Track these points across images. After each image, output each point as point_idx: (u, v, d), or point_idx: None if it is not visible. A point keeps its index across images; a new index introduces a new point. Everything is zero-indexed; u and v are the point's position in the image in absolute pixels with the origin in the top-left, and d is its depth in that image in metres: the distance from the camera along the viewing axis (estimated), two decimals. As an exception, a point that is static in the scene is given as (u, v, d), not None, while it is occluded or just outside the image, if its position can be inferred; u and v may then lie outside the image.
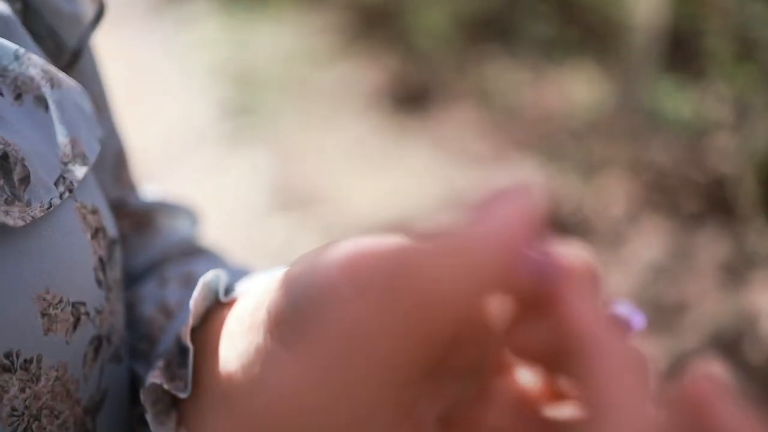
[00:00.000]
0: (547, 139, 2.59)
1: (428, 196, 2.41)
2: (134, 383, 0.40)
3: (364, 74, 3.05)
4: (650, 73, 2.51)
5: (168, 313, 0.40)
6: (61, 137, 0.35)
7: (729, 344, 1.88)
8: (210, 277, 0.36)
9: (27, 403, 0.33)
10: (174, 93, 3.04)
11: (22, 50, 0.35)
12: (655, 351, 1.87)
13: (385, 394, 0.21)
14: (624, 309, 0.25)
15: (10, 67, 0.35)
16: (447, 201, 2.39)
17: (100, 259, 0.36)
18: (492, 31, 3.05)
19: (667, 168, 2.43)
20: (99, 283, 0.36)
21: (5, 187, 0.32)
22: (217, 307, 0.36)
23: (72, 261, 0.34)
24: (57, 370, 0.34)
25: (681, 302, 1.99)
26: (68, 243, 0.34)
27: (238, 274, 0.41)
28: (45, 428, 0.34)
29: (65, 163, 0.35)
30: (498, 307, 0.23)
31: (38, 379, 0.33)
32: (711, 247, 2.15)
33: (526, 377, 0.26)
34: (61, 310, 0.34)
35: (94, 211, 0.37)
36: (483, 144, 2.63)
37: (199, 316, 0.36)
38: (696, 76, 2.53)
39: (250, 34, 3.45)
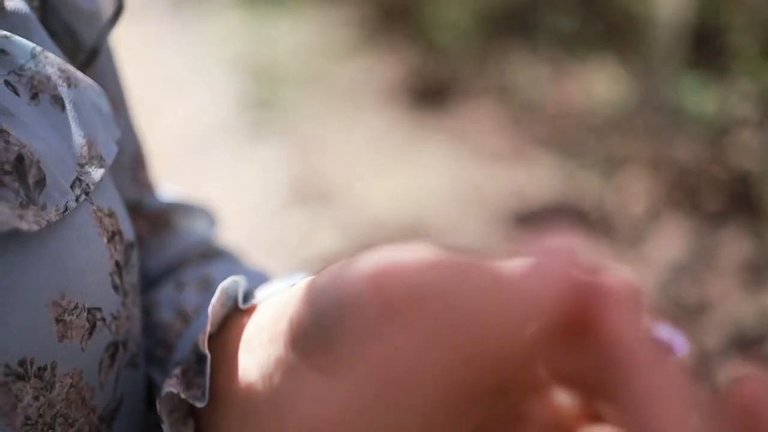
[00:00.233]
0: (568, 136, 2.57)
1: (446, 191, 2.40)
2: (150, 389, 0.39)
3: (383, 69, 3.04)
4: (673, 69, 2.48)
5: (185, 318, 0.39)
6: (78, 138, 0.34)
7: (751, 344, 1.86)
8: (228, 283, 0.35)
9: (41, 411, 0.32)
10: (193, 87, 3.05)
11: (39, 49, 0.35)
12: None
13: (426, 427, 0.20)
14: (665, 332, 0.24)
15: (27, 66, 0.34)
16: (465, 197, 2.38)
17: (117, 264, 0.35)
18: (513, 25, 3.02)
19: (690, 165, 2.41)
20: (115, 288, 0.35)
21: (20, 190, 0.31)
22: (235, 313, 0.35)
23: (88, 266, 0.33)
24: (72, 378, 0.33)
25: (702, 301, 1.97)
26: (84, 247, 0.33)
27: (257, 279, 0.40)
28: None
29: (82, 165, 0.34)
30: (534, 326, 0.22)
31: (53, 387, 0.32)
32: (733, 246, 2.12)
33: (562, 398, 0.25)
34: (77, 317, 0.33)
35: (111, 214, 0.36)
36: (502, 140, 2.62)
37: (217, 323, 0.35)
38: (720, 73, 2.50)
39: (269, 28, 3.45)
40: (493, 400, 0.24)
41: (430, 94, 2.86)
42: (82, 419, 0.34)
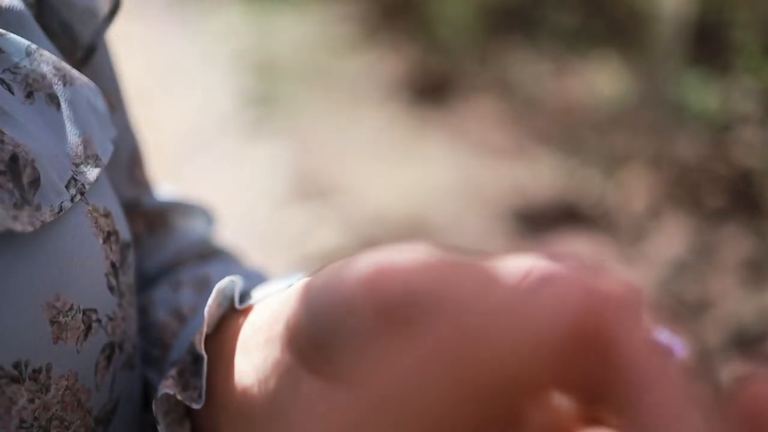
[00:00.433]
0: (569, 133, 2.57)
1: (447, 188, 2.40)
2: (147, 390, 0.39)
3: (384, 64, 3.04)
4: (675, 66, 2.48)
5: (181, 318, 0.39)
6: (73, 137, 0.34)
7: (751, 343, 1.85)
8: (225, 283, 0.35)
9: (36, 414, 0.32)
10: (195, 82, 3.04)
11: (33, 46, 0.34)
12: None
13: None
14: (665, 336, 0.24)
15: (22, 64, 0.34)
16: (466, 193, 2.38)
17: (113, 264, 0.35)
18: (515, 21, 3.02)
19: (691, 162, 2.40)
20: (111, 289, 0.35)
21: (14, 190, 0.31)
22: (232, 314, 0.35)
23: (83, 267, 0.33)
24: (67, 380, 0.33)
25: (703, 299, 1.97)
26: (79, 248, 0.33)
27: (254, 279, 0.40)
28: None
29: (77, 165, 0.34)
30: None
31: (48, 390, 0.32)
32: (734, 244, 2.12)
33: (560, 399, 0.24)
34: (72, 318, 0.33)
35: (107, 214, 0.35)
36: (503, 136, 2.61)
37: (213, 324, 0.35)
38: (722, 70, 2.49)
39: (271, 24, 3.44)
40: (493, 407, 0.23)
41: (432, 90, 2.85)
42: (78, 421, 0.34)
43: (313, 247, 2.17)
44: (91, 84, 0.37)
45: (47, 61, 0.34)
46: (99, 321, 0.34)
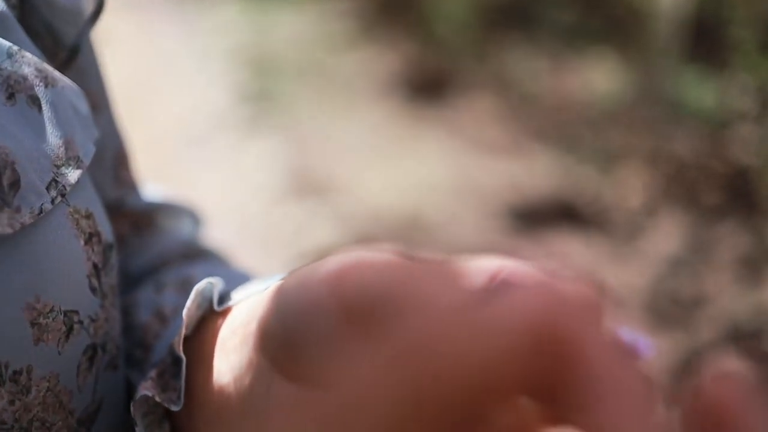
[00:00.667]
0: (566, 129, 2.57)
1: (444, 184, 2.40)
2: (130, 391, 0.39)
3: (381, 61, 3.04)
4: (672, 63, 2.47)
5: (164, 319, 0.39)
6: (55, 139, 0.34)
7: (746, 340, 1.86)
8: (204, 285, 0.35)
9: (17, 415, 0.32)
10: (192, 78, 3.04)
11: (15, 48, 0.34)
12: (671, 345, 1.86)
13: None
14: (630, 336, 0.24)
15: (3, 66, 0.34)
16: (463, 190, 2.38)
17: (95, 266, 0.35)
18: (512, 18, 3.01)
19: (688, 160, 2.40)
20: (93, 290, 0.35)
21: None
22: (211, 316, 0.35)
23: (64, 268, 0.33)
24: (48, 381, 0.33)
25: (699, 296, 1.97)
26: (60, 250, 0.33)
27: (237, 280, 0.40)
28: None
29: (58, 166, 0.34)
30: None
31: (28, 391, 0.32)
32: (730, 241, 2.12)
33: (524, 400, 0.25)
34: (53, 319, 0.33)
35: (88, 216, 0.35)
36: (500, 133, 2.61)
37: (192, 326, 0.35)
38: (719, 67, 2.49)
39: (267, 19, 3.44)
40: (455, 411, 0.23)
41: (429, 86, 2.85)
42: (60, 423, 0.34)
43: (309, 244, 2.17)
44: (74, 86, 0.37)
45: (29, 62, 0.34)
46: (81, 322, 0.34)
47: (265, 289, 0.32)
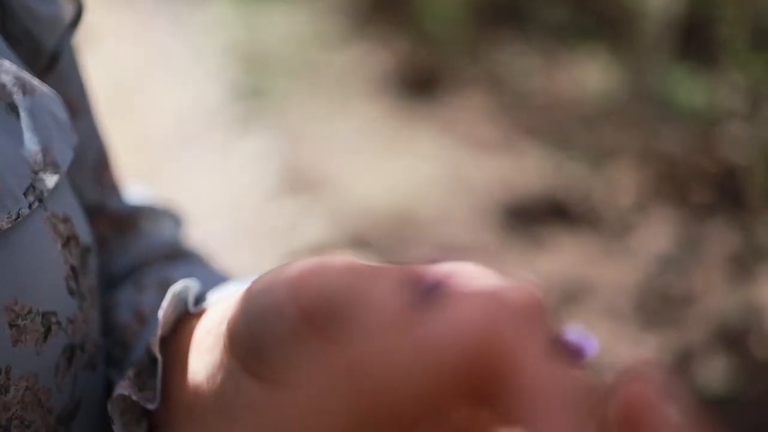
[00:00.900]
0: (558, 126, 2.58)
1: (436, 181, 2.40)
2: (110, 390, 0.40)
3: (374, 58, 3.04)
4: (663, 61, 2.48)
5: (143, 320, 0.40)
6: (33, 146, 0.35)
7: (735, 338, 1.87)
8: (180, 287, 0.36)
9: None
10: (185, 75, 3.04)
11: None
12: (660, 343, 1.87)
13: None
14: (576, 335, 0.25)
15: None
16: (455, 187, 2.38)
17: (72, 268, 0.36)
18: (504, 15, 3.02)
19: (678, 157, 2.41)
20: (71, 292, 0.36)
21: None
22: (188, 317, 0.36)
23: (41, 271, 0.34)
24: (27, 381, 0.33)
25: (688, 294, 1.99)
26: (37, 254, 0.34)
27: (214, 281, 0.41)
28: None
29: (36, 172, 0.35)
30: None
31: (7, 390, 0.33)
32: (720, 239, 2.13)
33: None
34: (31, 321, 0.33)
35: (66, 220, 0.36)
36: (493, 130, 2.62)
37: (169, 326, 0.36)
38: (709, 65, 2.50)
39: (260, 17, 3.44)
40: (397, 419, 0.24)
41: (421, 83, 2.85)
42: (39, 421, 0.34)
43: (301, 242, 2.18)
44: (52, 93, 0.37)
45: (7, 71, 0.35)
46: (59, 323, 0.35)
47: (238, 291, 0.33)
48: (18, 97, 0.35)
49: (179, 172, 2.47)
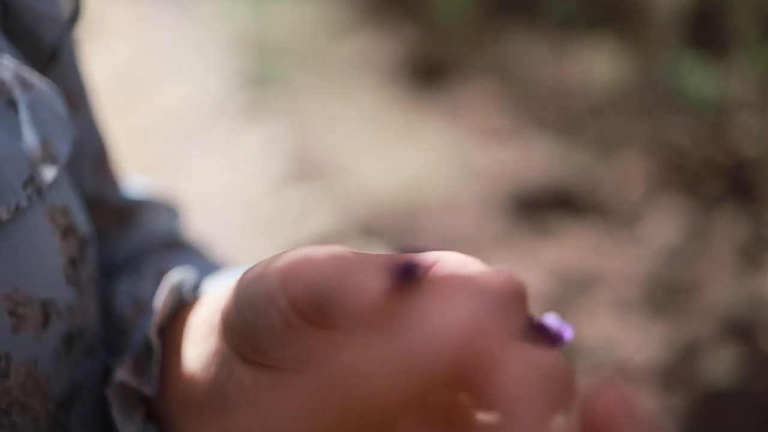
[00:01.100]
0: (566, 116, 2.57)
1: (444, 170, 2.40)
2: (109, 378, 0.41)
3: (382, 47, 3.03)
4: (672, 50, 2.47)
5: (141, 309, 0.41)
6: (32, 140, 0.36)
7: (743, 329, 1.87)
8: (176, 276, 0.37)
9: None
10: (191, 65, 3.05)
11: None
12: (667, 334, 1.87)
13: None
14: (553, 322, 0.26)
15: None
16: (462, 176, 2.38)
17: (71, 259, 0.37)
18: (512, 4, 3.01)
19: (687, 148, 2.40)
20: (70, 282, 0.37)
21: None
22: (185, 306, 0.37)
23: (40, 262, 0.35)
24: (27, 367, 0.34)
25: (695, 285, 1.98)
26: (36, 245, 0.35)
27: (210, 271, 0.42)
28: (16, 423, 0.34)
29: (35, 166, 0.35)
30: None
31: (7, 376, 0.34)
32: (728, 230, 2.13)
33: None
34: (30, 309, 0.34)
35: (65, 212, 0.37)
36: (500, 119, 2.61)
37: (166, 315, 0.37)
38: (720, 54, 2.48)
39: (268, 5, 3.43)
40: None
41: (429, 72, 2.85)
42: (39, 406, 0.35)
43: (309, 230, 2.18)
44: (51, 88, 0.38)
45: (7, 67, 0.36)
46: (58, 312, 0.36)
47: (234, 280, 0.34)
48: (17, 93, 0.36)
49: (186, 161, 2.48)
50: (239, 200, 2.33)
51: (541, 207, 2.26)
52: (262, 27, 3.26)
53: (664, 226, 2.16)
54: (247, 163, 2.49)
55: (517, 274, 0.24)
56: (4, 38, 0.38)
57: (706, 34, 2.53)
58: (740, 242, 2.09)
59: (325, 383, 0.19)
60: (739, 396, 1.72)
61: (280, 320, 0.27)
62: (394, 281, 0.24)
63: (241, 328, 0.29)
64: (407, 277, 0.24)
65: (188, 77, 2.95)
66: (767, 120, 2.29)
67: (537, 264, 2.06)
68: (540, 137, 2.50)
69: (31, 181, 0.35)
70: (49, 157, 0.36)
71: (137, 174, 0.52)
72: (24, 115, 0.36)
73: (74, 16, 0.41)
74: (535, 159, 2.43)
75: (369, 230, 2.16)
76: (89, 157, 0.45)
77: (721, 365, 1.78)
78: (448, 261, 0.27)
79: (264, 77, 2.90)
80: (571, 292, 1.98)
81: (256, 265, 0.29)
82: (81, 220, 0.38)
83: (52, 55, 0.40)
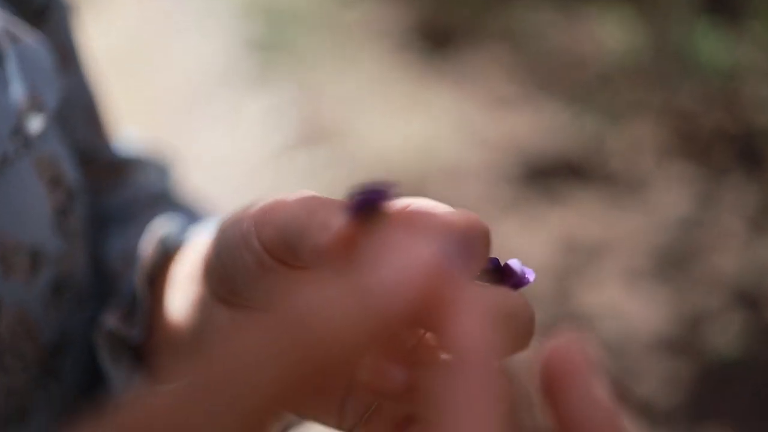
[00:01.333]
0: (577, 83, 2.55)
1: (453, 136, 2.40)
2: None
3: (391, 13, 3.01)
4: (685, 16, 2.44)
5: (130, 262, 0.42)
6: (19, 91, 0.36)
7: (750, 299, 1.87)
8: (161, 227, 0.37)
9: None
10: (199, 29, 3.03)
11: None
12: (674, 301, 1.87)
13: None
14: (515, 264, 0.27)
15: None
16: (471, 142, 2.38)
17: (59, 209, 0.37)
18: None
19: (698, 116, 2.38)
20: (57, 231, 0.37)
21: None
22: (169, 256, 0.38)
23: (28, 211, 0.36)
24: (18, 313, 0.35)
25: (703, 254, 1.98)
26: (24, 193, 0.35)
27: (194, 222, 0.42)
28: (8, 368, 0.35)
29: (21, 116, 0.35)
30: None
31: None
32: (737, 200, 2.12)
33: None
34: (19, 256, 0.35)
35: (53, 162, 0.37)
36: (510, 86, 2.60)
37: (152, 266, 0.38)
38: (733, 21, 2.45)
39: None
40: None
41: (439, 39, 2.83)
42: (30, 353, 0.36)
43: (317, 193, 2.18)
44: (39, 43, 0.38)
45: None
46: (46, 260, 0.37)
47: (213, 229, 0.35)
48: (5, 46, 0.36)
49: (194, 127, 2.48)
50: (246, 166, 2.33)
51: (550, 175, 2.25)
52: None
53: (672, 195, 2.15)
54: (254, 129, 2.49)
55: (479, 217, 0.24)
56: None
57: (719, 1, 2.49)
58: (749, 211, 2.08)
59: (281, 323, 0.19)
60: (746, 365, 1.73)
61: (254, 262, 0.28)
62: (355, 216, 0.25)
63: (220, 271, 0.30)
64: (367, 210, 0.25)
65: (196, 43, 2.93)
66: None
67: (545, 232, 2.06)
68: (549, 105, 2.49)
69: (18, 131, 0.35)
70: (36, 109, 0.36)
71: (131, 129, 0.52)
72: (11, 67, 0.36)
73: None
74: (544, 127, 2.41)
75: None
76: (80, 112, 0.45)
77: (728, 334, 1.78)
78: (418, 204, 0.27)
79: (272, 43, 2.88)
80: (579, 260, 1.98)
81: (233, 212, 0.30)
82: (70, 172, 0.39)
83: (41, 11, 0.40)
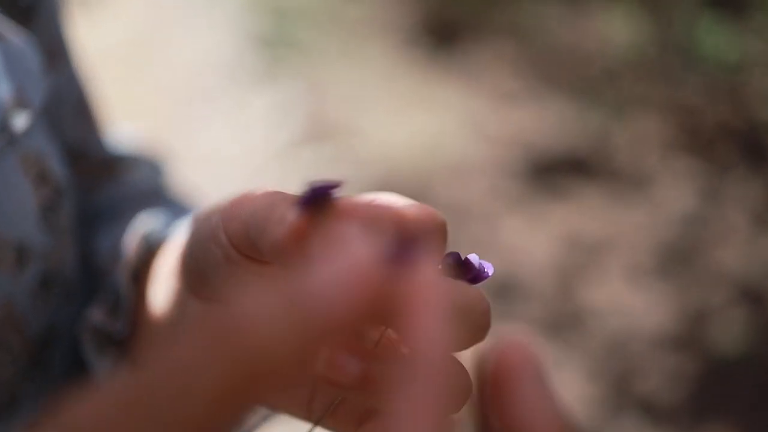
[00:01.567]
0: (582, 78, 2.54)
1: (459, 132, 2.39)
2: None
3: (397, 9, 3.01)
4: (690, 11, 2.43)
5: (117, 257, 0.42)
6: (5, 88, 0.36)
7: (754, 295, 1.86)
8: (145, 223, 0.38)
9: None
10: (204, 24, 3.03)
11: None
12: (678, 297, 1.86)
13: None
14: (474, 259, 0.27)
15: None
16: (477, 138, 2.37)
17: (46, 206, 0.38)
18: (530, -36, 2.96)
19: (702, 111, 2.37)
20: (44, 228, 0.38)
21: None
22: (152, 252, 0.39)
23: (14, 207, 0.36)
24: (5, 306, 0.36)
25: (707, 250, 1.97)
26: (10, 190, 0.36)
27: (183, 218, 0.43)
28: None
29: (7, 114, 0.36)
30: None
31: None
32: (742, 195, 2.11)
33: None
34: (5, 251, 0.36)
35: (40, 159, 0.38)
36: (515, 81, 2.59)
37: (137, 262, 0.39)
38: (738, 15, 2.44)
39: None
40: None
41: (444, 35, 2.82)
42: (18, 346, 0.37)
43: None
44: (25, 41, 0.38)
45: None
46: (32, 256, 0.37)
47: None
48: None
49: (199, 123, 2.48)
50: (251, 162, 2.33)
51: (555, 171, 2.25)
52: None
53: (677, 190, 2.15)
54: (260, 125, 2.49)
55: (436, 210, 0.25)
56: None
57: (725, -6, 2.48)
58: (753, 207, 2.08)
59: (220, 326, 0.19)
60: (749, 361, 1.72)
61: (222, 255, 0.29)
62: (305, 210, 0.26)
63: (192, 265, 0.30)
64: (315, 204, 0.26)
65: (201, 37, 2.94)
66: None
67: (549, 228, 2.05)
68: (554, 100, 2.48)
69: (3, 127, 0.36)
70: (22, 106, 0.37)
71: (125, 125, 0.52)
72: None
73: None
74: (549, 122, 2.41)
75: (383, 191, 2.16)
76: (70, 108, 0.45)
77: (732, 330, 1.78)
78: (381, 199, 0.28)
79: (278, 38, 2.88)
80: (583, 255, 1.97)
81: (205, 207, 0.31)
82: (57, 169, 0.39)
83: (29, 8, 0.41)
